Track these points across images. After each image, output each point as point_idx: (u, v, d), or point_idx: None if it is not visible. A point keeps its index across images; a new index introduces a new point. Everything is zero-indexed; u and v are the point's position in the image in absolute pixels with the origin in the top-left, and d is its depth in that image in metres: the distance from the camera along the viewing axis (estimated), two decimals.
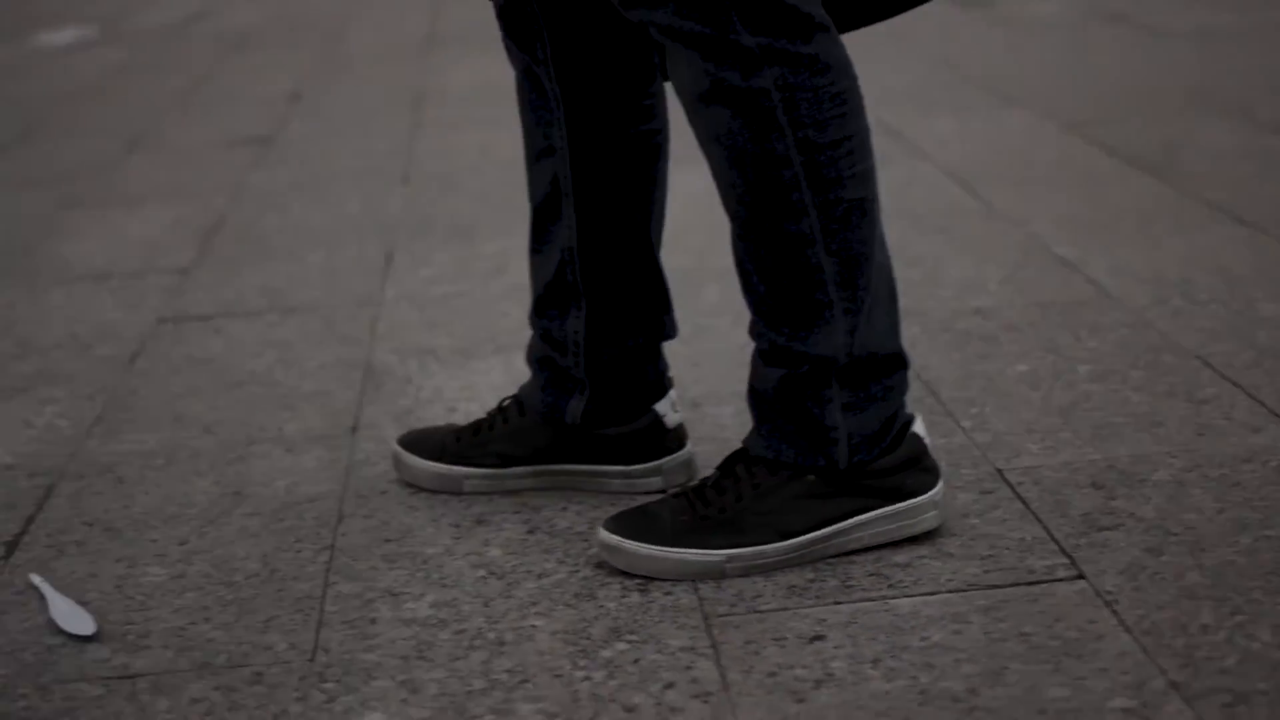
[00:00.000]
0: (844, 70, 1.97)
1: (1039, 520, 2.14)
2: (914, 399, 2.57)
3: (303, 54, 6.92)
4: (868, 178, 2.00)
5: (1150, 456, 2.31)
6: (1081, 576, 1.98)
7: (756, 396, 2.07)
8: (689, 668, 1.84)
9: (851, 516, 2.06)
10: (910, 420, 2.10)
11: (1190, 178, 3.79)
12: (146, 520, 2.35)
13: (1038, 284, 3.11)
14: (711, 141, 1.98)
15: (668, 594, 2.01)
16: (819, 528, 2.05)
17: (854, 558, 2.07)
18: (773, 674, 1.82)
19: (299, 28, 7.88)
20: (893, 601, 1.96)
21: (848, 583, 2.01)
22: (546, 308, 2.28)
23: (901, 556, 2.06)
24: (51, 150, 5.21)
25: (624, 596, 2.02)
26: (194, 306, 3.37)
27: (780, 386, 2.04)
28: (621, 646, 1.90)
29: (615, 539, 2.04)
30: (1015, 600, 1.94)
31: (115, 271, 3.69)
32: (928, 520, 2.09)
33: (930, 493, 2.08)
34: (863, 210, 1.99)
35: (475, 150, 4.75)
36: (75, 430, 2.73)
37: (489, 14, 7.78)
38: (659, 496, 2.18)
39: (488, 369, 2.86)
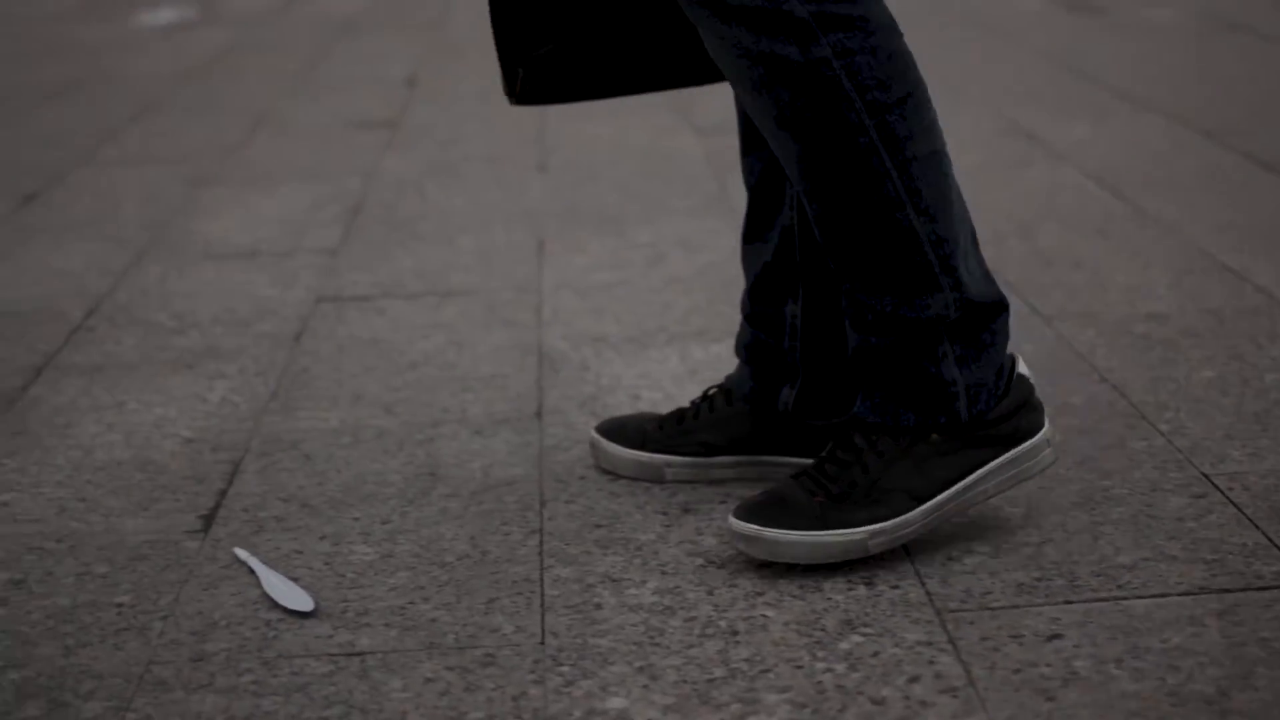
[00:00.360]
0: (892, 27, 1.96)
1: (1256, 526, 2.11)
2: (1105, 402, 2.55)
3: (411, 40, 6.92)
4: (933, 129, 1.98)
5: None
6: None
7: (865, 364, 2.04)
8: (931, 662, 1.82)
9: (977, 469, 2.05)
10: (1015, 361, 2.08)
11: None
12: (343, 498, 2.34)
13: (1207, 291, 3.08)
14: (776, 124, 1.95)
15: (894, 588, 2.00)
16: (950, 485, 2.03)
17: (1077, 558, 2.05)
18: (1017, 671, 1.80)
19: (402, 14, 7.88)
20: (1125, 602, 1.93)
21: (1075, 582, 1.99)
22: (764, 292, 2.26)
23: (1124, 558, 2.04)
24: (172, 128, 5.22)
25: (850, 589, 2.00)
26: (350, 287, 3.37)
27: (892, 351, 2.01)
28: (857, 639, 1.88)
29: (753, 528, 2.00)
30: (1248, 605, 1.91)
31: (262, 250, 3.69)
32: (1045, 459, 2.09)
33: (1042, 431, 2.08)
34: (937, 162, 1.97)
35: (608, 140, 4.73)
36: (251, 406, 2.72)
37: None
38: (783, 481, 2.12)
39: (663, 358, 2.85)
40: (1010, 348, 2.76)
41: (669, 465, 2.32)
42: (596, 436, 2.37)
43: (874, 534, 1.99)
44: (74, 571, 2.16)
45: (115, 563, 2.18)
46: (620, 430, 2.35)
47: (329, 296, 3.31)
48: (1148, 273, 3.21)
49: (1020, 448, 2.07)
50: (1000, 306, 2.04)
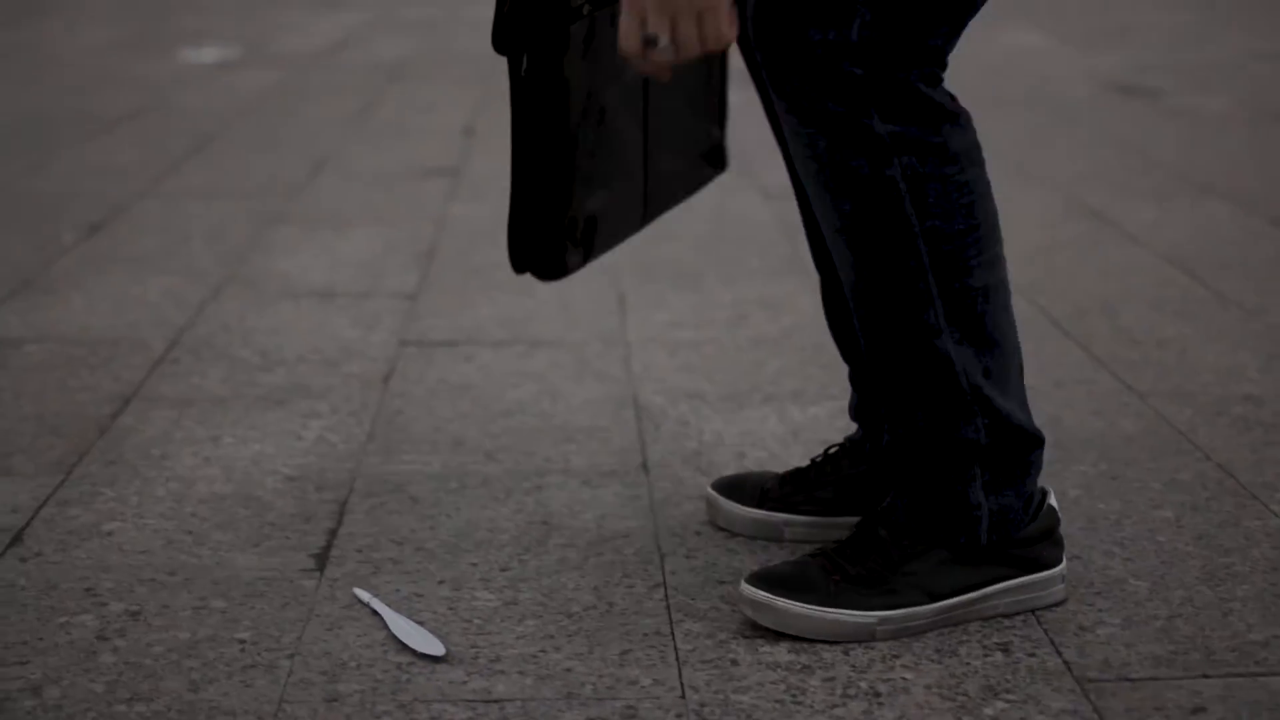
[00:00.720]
0: (971, 157, 1.96)
1: None
2: (1213, 480, 2.54)
3: (462, 90, 6.94)
4: (995, 264, 1.99)
5: None
6: None
7: (895, 471, 2.06)
8: None
9: (993, 584, 2.07)
10: (1045, 494, 2.11)
11: None
12: (458, 543, 2.33)
13: None
14: (834, 230, 1.97)
15: (1031, 655, 1.99)
16: (964, 592, 2.05)
17: (1209, 632, 2.04)
18: None
19: (450, 62, 7.91)
20: (1263, 679, 1.93)
21: (1211, 657, 1.98)
22: (859, 356, 2.27)
23: (1257, 635, 2.04)
24: (232, 164, 5.23)
25: (987, 655, 1.99)
26: (432, 332, 3.36)
27: (922, 465, 2.03)
28: (1002, 705, 1.87)
29: (764, 595, 2.01)
30: None
31: (340, 290, 3.69)
32: (1056, 593, 2.11)
33: (1059, 566, 2.11)
34: (988, 296, 1.97)
35: None
36: (349, 447, 2.71)
37: None
38: (800, 556, 2.13)
39: (763, 417, 2.84)
40: (1102, 428, 2.76)
41: (788, 525, 2.32)
42: (714, 493, 2.36)
43: (883, 620, 2.02)
44: (190, 605, 2.15)
45: (232, 598, 2.16)
46: (738, 488, 2.35)
47: (413, 340, 3.31)
48: (1237, 355, 3.21)
49: (1036, 575, 2.10)
50: (1035, 441, 2.06)
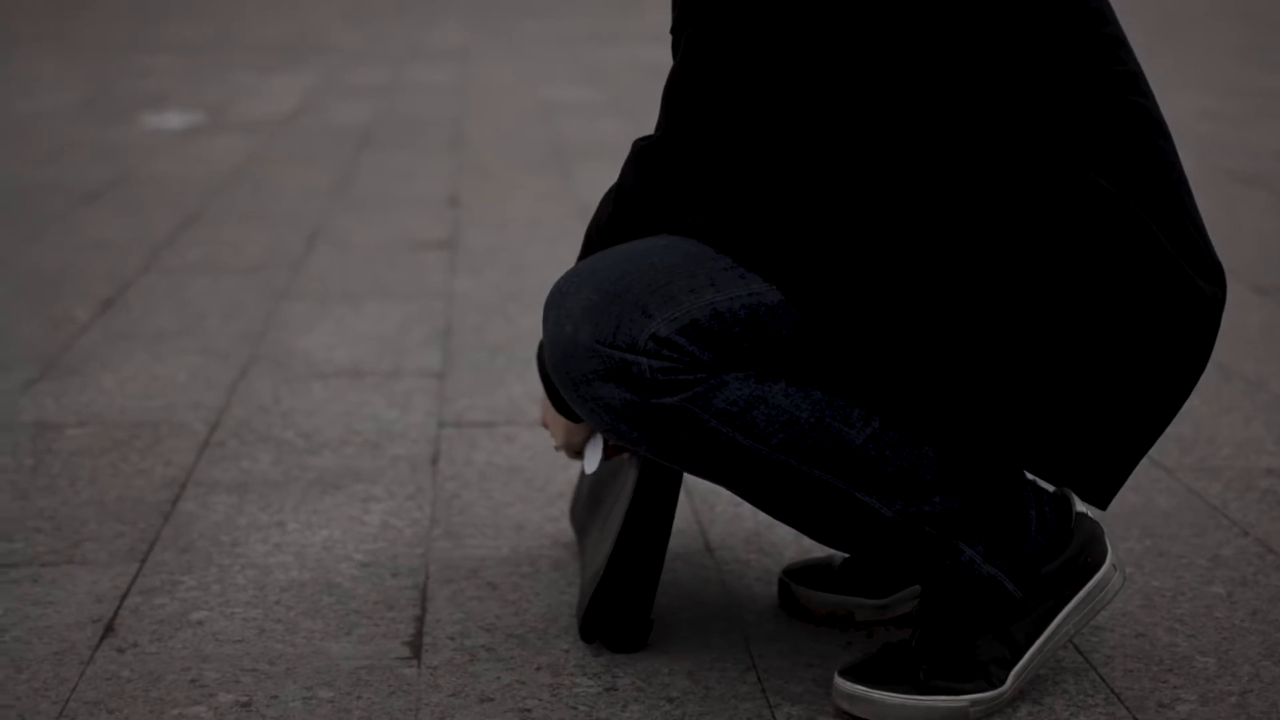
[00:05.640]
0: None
1: None
2: (1255, 555, 2.66)
3: (436, 159, 7.02)
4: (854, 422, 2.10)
5: None
6: None
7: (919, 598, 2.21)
8: None
9: (1054, 618, 2.17)
10: (1068, 502, 2.19)
11: None
12: (546, 630, 2.41)
13: None
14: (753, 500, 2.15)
15: None
16: (1033, 642, 2.15)
17: (1249, 691, 2.14)
18: None
19: (415, 128, 7.99)
20: None
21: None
22: None
23: None
24: (229, 238, 5.29)
25: None
26: (469, 413, 3.44)
27: (928, 594, 2.16)
28: None
29: (861, 689, 2.12)
30: None
31: (366, 370, 3.76)
32: (1115, 584, 2.21)
33: (1108, 559, 2.20)
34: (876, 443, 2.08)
35: None
36: (415, 531, 2.79)
37: (614, 125, 7.90)
38: (883, 645, 2.23)
39: None
40: (1139, 504, 2.88)
41: (859, 607, 2.41)
42: (785, 580, 2.45)
43: (974, 702, 2.13)
44: (299, 695, 2.22)
45: (338, 687, 2.24)
46: (807, 573, 2.44)
47: (451, 421, 3.38)
48: (1250, 428, 3.33)
49: (1090, 584, 2.19)
50: (998, 485, 2.13)
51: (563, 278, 2.08)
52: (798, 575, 2.46)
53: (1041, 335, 1.98)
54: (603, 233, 2.15)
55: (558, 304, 2.05)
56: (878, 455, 2.04)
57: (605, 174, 6.56)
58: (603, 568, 2.27)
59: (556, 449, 2.46)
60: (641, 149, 2.09)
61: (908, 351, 1.98)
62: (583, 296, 2.02)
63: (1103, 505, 2.11)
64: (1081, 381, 2.01)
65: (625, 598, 2.26)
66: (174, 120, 8.24)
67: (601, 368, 2.00)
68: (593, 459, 2.38)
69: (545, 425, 2.45)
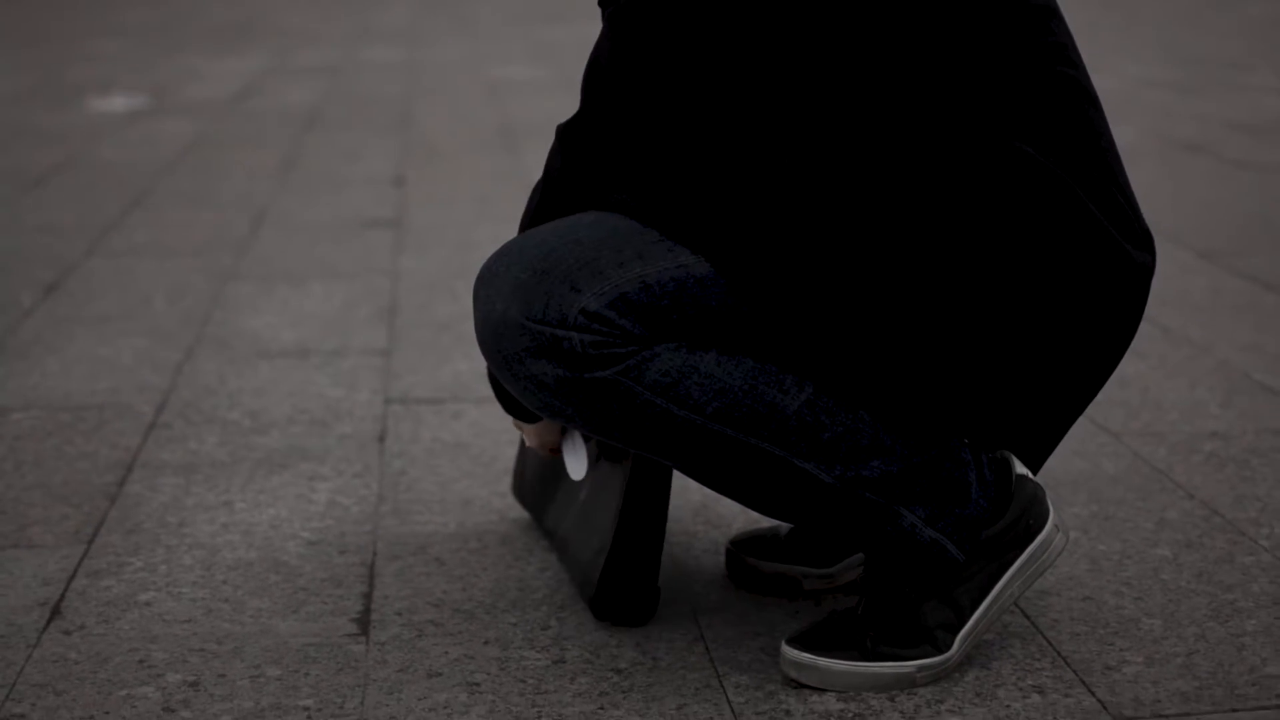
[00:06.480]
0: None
1: None
2: (1200, 517, 2.67)
3: (382, 139, 6.99)
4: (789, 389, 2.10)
5: None
6: None
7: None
8: None
9: (998, 580, 2.18)
10: (1007, 464, 2.19)
11: None
12: (493, 605, 2.41)
13: (1259, 411, 3.22)
14: (690, 473, 2.16)
15: (1067, 695, 2.10)
16: (977, 606, 2.16)
17: (1228, 668, 2.16)
18: None
19: (361, 108, 7.96)
20: None
21: (1235, 691, 2.11)
22: None
23: (1273, 669, 2.16)
24: (174, 220, 5.27)
25: (1025, 697, 2.10)
26: (415, 389, 3.43)
27: (872, 560, 2.17)
28: None
29: (807, 656, 2.13)
30: None
31: (312, 349, 3.75)
32: (1057, 545, 2.22)
33: (1049, 519, 2.21)
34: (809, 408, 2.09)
35: None
36: (363, 509, 2.78)
37: (563, 104, 7.89)
38: (830, 613, 2.24)
39: None
40: (1086, 469, 2.89)
41: (805, 576, 2.41)
42: (733, 549, 2.45)
43: (921, 668, 2.14)
44: (247, 674, 2.21)
45: (285, 665, 2.23)
46: (754, 543, 2.44)
47: (397, 399, 3.38)
48: (1195, 392, 3.35)
49: (1032, 545, 2.20)
50: (929, 443, 2.13)
51: (492, 257, 2.08)
52: (745, 545, 2.46)
53: (971, 301, 1.99)
54: (534, 218, 2.15)
55: (487, 282, 2.05)
56: (813, 421, 2.04)
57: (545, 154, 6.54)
58: (608, 544, 2.26)
59: (534, 449, 2.47)
60: (563, 129, 2.10)
61: (837, 319, 1.99)
62: (512, 274, 2.02)
63: (1034, 469, 2.12)
64: (1012, 347, 2.02)
65: (634, 570, 2.26)
66: (119, 103, 8.19)
67: (533, 344, 2.00)
68: (577, 465, 2.38)
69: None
